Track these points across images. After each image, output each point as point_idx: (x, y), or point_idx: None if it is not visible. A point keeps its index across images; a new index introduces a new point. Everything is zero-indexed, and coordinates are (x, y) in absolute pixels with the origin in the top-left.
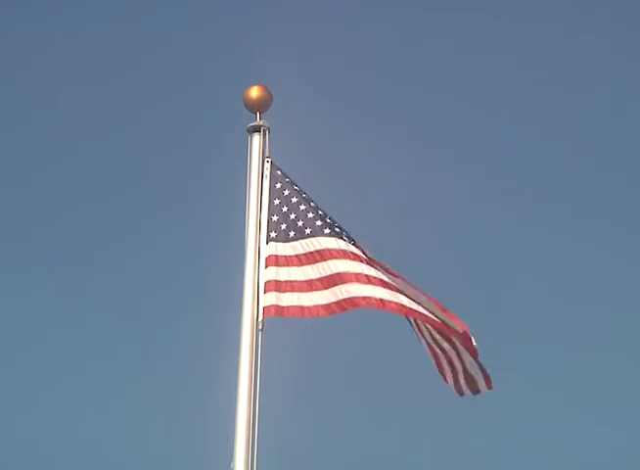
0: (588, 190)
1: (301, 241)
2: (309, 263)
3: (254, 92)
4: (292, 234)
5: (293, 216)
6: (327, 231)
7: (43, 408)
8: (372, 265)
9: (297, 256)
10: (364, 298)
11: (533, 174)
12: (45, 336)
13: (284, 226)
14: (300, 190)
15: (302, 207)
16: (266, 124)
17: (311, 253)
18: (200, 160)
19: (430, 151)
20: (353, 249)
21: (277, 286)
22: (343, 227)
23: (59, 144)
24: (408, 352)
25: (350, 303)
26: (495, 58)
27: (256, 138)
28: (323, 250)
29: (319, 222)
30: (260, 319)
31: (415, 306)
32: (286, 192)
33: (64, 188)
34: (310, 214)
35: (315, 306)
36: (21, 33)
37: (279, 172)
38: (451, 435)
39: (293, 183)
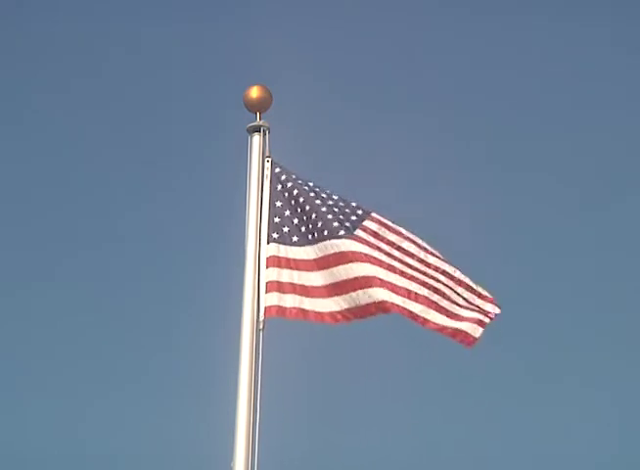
0: None
1: (306, 247)
2: (314, 270)
3: (254, 92)
4: (295, 239)
5: (296, 221)
6: (337, 233)
7: (42, 408)
8: (388, 265)
9: (302, 260)
10: (379, 302)
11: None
12: (45, 335)
13: (286, 229)
14: (302, 189)
15: (307, 207)
16: (266, 124)
17: (315, 260)
18: (200, 160)
19: (430, 150)
20: (361, 247)
21: (279, 287)
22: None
23: (52, 144)
24: (412, 352)
25: (364, 310)
26: (499, 58)
27: (256, 138)
28: (330, 254)
29: (324, 225)
30: (261, 319)
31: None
32: (287, 195)
33: (61, 189)
34: (313, 215)
35: (320, 313)
36: (21, 34)
37: (279, 173)
38: (457, 437)
39: (293, 183)
